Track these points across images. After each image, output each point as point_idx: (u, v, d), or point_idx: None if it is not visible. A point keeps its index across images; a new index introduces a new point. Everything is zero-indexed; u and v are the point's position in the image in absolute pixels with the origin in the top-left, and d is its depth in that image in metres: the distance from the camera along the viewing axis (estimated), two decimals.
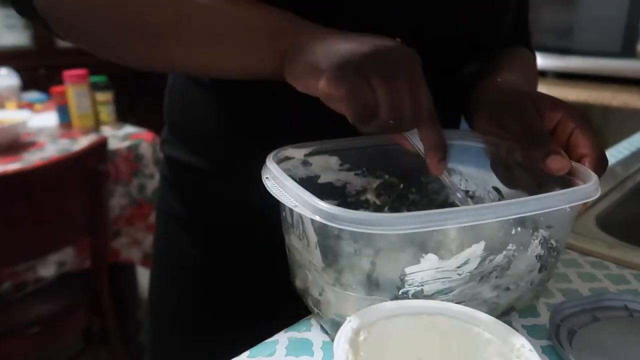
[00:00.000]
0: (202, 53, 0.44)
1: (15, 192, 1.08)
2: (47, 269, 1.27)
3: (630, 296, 0.47)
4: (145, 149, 1.49)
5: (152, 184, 1.50)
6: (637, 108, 1.75)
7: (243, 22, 0.43)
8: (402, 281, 0.38)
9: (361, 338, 0.31)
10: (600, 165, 0.43)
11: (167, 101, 0.61)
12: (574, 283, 0.52)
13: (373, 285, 0.38)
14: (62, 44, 2.92)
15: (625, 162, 0.94)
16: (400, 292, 0.38)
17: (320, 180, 0.49)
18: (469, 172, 0.53)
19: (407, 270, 0.37)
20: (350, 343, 0.30)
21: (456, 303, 0.38)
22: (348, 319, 0.32)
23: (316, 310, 0.43)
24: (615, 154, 0.99)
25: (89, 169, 1.19)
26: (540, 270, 0.43)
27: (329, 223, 0.33)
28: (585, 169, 0.42)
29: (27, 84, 2.01)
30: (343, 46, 0.38)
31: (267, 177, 0.41)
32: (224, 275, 0.59)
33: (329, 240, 0.38)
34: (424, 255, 0.37)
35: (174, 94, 0.59)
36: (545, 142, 0.43)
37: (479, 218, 0.35)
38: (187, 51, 0.45)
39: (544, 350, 0.41)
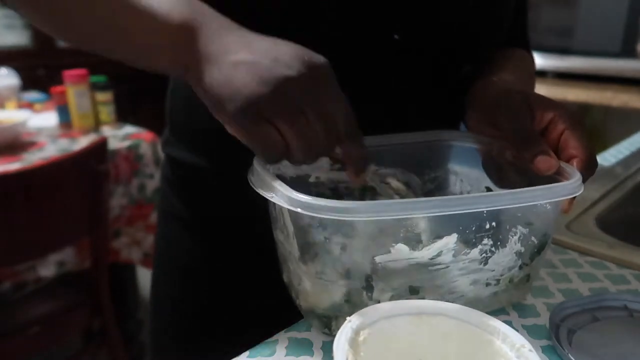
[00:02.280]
0: (108, 39, 0.42)
1: (15, 192, 1.07)
2: (47, 269, 1.27)
3: (630, 296, 0.47)
4: (145, 149, 1.48)
5: (152, 184, 1.50)
6: (637, 108, 1.75)
7: (148, 22, 0.39)
8: (372, 270, 0.38)
9: (361, 338, 0.31)
10: (589, 167, 0.42)
11: (169, 102, 0.61)
12: (574, 283, 0.52)
13: (344, 273, 0.39)
14: (62, 43, 2.92)
15: (625, 162, 0.94)
16: (371, 281, 0.39)
17: (311, 180, 0.49)
18: (465, 172, 0.53)
19: (377, 259, 0.38)
20: (350, 343, 0.30)
21: (433, 297, 0.39)
22: (348, 318, 0.32)
23: (297, 302, 0.43)
24: (615, 154, 0.99)
25: (89, 169, 1.18)
26: (521, 268, 0.43)
27: (299, 210, 0.35)
28: (572, 168, 0.42)
29: (27, 84, 2.00)
30: (242, 81, 0.35)
31: (251, 174, 0.42)
32: (225, 274, 0.60)
33: (301, 229, 0.39)
34: (394, 245, 0.37)
35: (176, 95, 0.59)
36: (534, 142, 0.43)
37: (447, 209, 0.36)
38: (96, 32, 0.42)
39: (544, 350, 0.41)
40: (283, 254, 0.44)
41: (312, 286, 0.41)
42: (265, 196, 0.38)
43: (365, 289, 0.40)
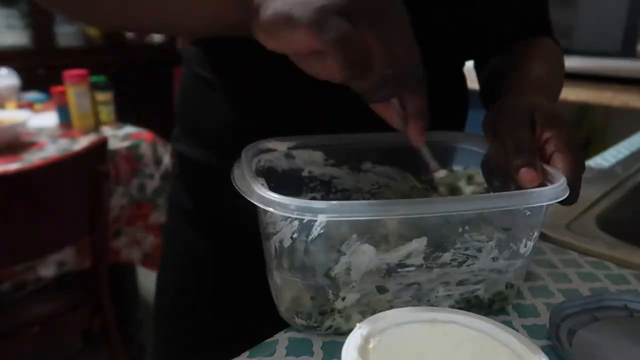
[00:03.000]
0: (156, 4, 0.41)
1: (15, 192, 1.08)
2: (47, 269, 1.27)
3: (630, 296, 0.47)
4: (145, 149, 1.49)
5: (152, 184, 1.50)
6: (637, 108, 1.75)
7: None
8: (338, 269, 0.39)
9: (371, 345, 0.31)
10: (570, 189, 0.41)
11: (180, 100, 0.62)
12: (574, 283, 0.52)
13: (308, 271, 0.39)
14: (62, 43, 2.92)
15: (625, 162, 0.94)
16: (332, 275, 0.39)
17: (304, 174, 0.49)
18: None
19: (343, 259, 0.38)
20: (359, 350, 0.29)
21: (404, 300, 0.40)
22: (358, 325, 0.32)
23: (275, 299, 0.44)
24: (615, 154, 0.99)
25: (89, 169, 1.19)
26: (500, 273, 0.43)
27: (268, 209, 0.36)
28: (560, 177, 0.41)
29: (27, 84, 2.01)
30: None
31: (236, 166, 0.42)
32: (232, 270, 0.60)
33: (270, 226, 0.39)
34: (360, 245, 0.38)
35: (187, 94, 0.60)
36: (525, 152, 0.42)
37: (414, 212, 0.36)
38: (139, 4, 0.41)
39: (544, 350, 0.41)
40: (265, 252, 0.45)
41: (280, 282, 0.42)
42: (239, 191, 0.38)
43: (330, 287, 0.40)
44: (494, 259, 0.41)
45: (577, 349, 0.41)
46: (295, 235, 0.38)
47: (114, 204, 1.41)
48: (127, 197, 1.46)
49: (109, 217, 1.32)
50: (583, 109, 2.18)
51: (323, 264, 0.39)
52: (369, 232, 0.38)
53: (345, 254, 0.38)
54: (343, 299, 0.40)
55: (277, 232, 0.39)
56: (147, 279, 1.72)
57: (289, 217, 0.37)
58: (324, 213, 0.35)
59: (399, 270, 0.39)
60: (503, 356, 0.31)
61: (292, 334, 0.43)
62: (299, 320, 0.42)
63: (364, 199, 0.52)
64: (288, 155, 0.48)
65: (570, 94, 1.88)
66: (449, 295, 0.42)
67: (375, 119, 0.42)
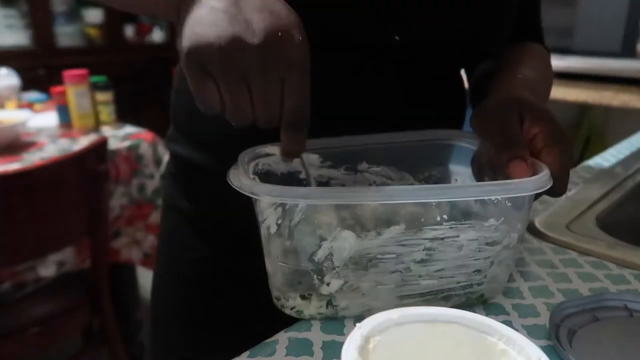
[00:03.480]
0: None
1: (15, 192, 1.07)
2: (47, 269, 1.27)
3: (630, 296, 0.47)
4: (145, 149, 1.48)
5: (152, 184, 1.50)
6: (637, 108, 1.75)
7: None
8: (321, 254, 0.40)
9: (371, 345, 0.30)
10: (556, 185, 0.41)
11: (173, 101, 0.62)
12: (574, 283, 0.52)
13: (293, 256, 0.41)
14: (62, 43, 2.92)
15: (625, 162, 0.94)
16: (315, 259, 0.41)
17: (302, 176, 0.49)
18: (461, 171, 0.53)
19: (324, 244, 0.40)
20: (359, 350, 0.29)
21: (388, 286, 0.42)
22: (358, 325, 0.31)
23: (270, 287, 0.45)
24: (615, 154, 0.99)
25: (89, 169, 1.19)
26: (480, 262, 0.43)
27: (253, 196, 0.38)
28: (544, 169, 0.41)
29: (27, 84, 2.01)
30: (204, 26, 0.34)
31: (233, 168, 0.43)
32: (228, 269, 0.60)
33: (260, 214, 0.41)
34: (340, 231, 0.40)
35: (180, 95, 0.60)
36: (514, 145, 0.43)
37: (392, 198, 0.38)
38: None
39: (544, 350, 0.41)
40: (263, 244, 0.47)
41: (271, 268, 0.44)
42: (231, 184, 0.40)
43: (315, 272, 0.42)
44: (477, 249, 0.42)
45: (577, 349, 0.41)
46: (279, 222, 0.40)
47: (114, 204, 1.41)
48: (127, 197, 1.45)
49: (109, 217, 1.32)
50: (583, 109, 2.18)
51: (306, 249, 0.41)
52: (349, 218, 0.40)
53: (326, 239, 0.40)
54: (328, 284, 0.42)
55: (264, 220, 0.41)
56: (147, 279, 1.72)
57: (274, 204, 0.39)
58: (304, 198, 0.38)
59: (379, 256, 0.41)
60: (503, 356, 0.31)
61: (292, 334, 0.43)
62: (288, 304, 0.44)
63: None
64: (286, 159, 0.48)
65: (570, 94, 1.88)
66: (431, 281, 0.43)
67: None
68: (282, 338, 0.42)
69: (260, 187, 0.38)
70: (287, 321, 0.44)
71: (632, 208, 0.79)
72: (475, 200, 0.43)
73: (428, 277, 0.43)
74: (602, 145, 1.96)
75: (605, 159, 0.96)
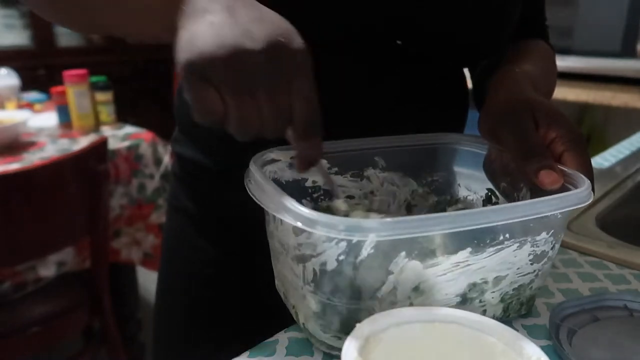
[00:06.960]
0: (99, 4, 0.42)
1: (15, 192, 1.07)
2: (47, 269, 1.27)
3: (630, 296, 0.47)
4: (145, 149, 1.48)
5: (152, 184, 1.50)
6: (637, 108, 1.75)
7: None
8: (382, 286, 0.37)
9: (371, 345, 0.30)
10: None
11: (177, 101, 0.62)
12: (574, 283, 0.52)
13: (354, 292, 0.37)
14: (62, 43, 2.92)
15: (625, 162, 0.94)
16: (379, 296, 0.37)
17: (308, 184, 0.48)
18: (466, 175, 0.53)
19: (391, 278, 0.36)
20: (359, 350, 0.29)
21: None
22: (358, 325, 0.31)
23: (297, 318, 0.42)
24: (615, 154, 0.99)
25: (89, 169, 1.18)
26: (535, 274, 0.43)
27: (308, 229, 0.33)
28: (580, 176, 0.41)
29: (27, 84, 2.00)
30: (203, 39, 0.34)
31: (249, 180, 0.40)
32: (233, 270, 0.60)
33: (308, 246, 0.36)
34: (407, 262, 0.36)
35: (183, 95, 0.60)
36: (538, 155, 0.42)
37: (462, 225, 0.35)
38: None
39: (544, 350, 0.41)
40: (281, 271, 0.43)
41: (316, 306, 0.38)
42: (269, 211, 0.36)
43: (376, 309, 0.38)
44: (530, 262, 0.41)
45: (577, 349, 0.41)
46: (341, 257, 0.35)
47: (114, 204, 1.41)
48: (127, 197, 1.45)
49: (109, 217, 1.32)
50: (583, 109, 2.18)
51: (371, 286, 0.37)
52: (417, 249, 0.36)
53: (392, 273, 0.36)
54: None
55: (318, 255, 0.36)
56: (147, 279, 1.72)
57: (334, 238, 0.34)
58: (374, 232, 0.33)
59: (440, 282, 0.38)
60: (503, 356, 0.31)
61: (292, 334, 0.43)
62: (326, 337, 0.40)
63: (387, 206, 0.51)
64: (291, 165, 0.47)
65: (570, 94, 1.88)
66: (494, 302, 0.42)
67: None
68: (282, 338, 0.42)
69: (321, 219, 0.33)
70: (291, 322, 0.44)
71: (632, 208, 0.78)
72: None
73: (491, 296, 0.41)
74: (602, 145, 1.96)
75: (605, 159, 0.96)
